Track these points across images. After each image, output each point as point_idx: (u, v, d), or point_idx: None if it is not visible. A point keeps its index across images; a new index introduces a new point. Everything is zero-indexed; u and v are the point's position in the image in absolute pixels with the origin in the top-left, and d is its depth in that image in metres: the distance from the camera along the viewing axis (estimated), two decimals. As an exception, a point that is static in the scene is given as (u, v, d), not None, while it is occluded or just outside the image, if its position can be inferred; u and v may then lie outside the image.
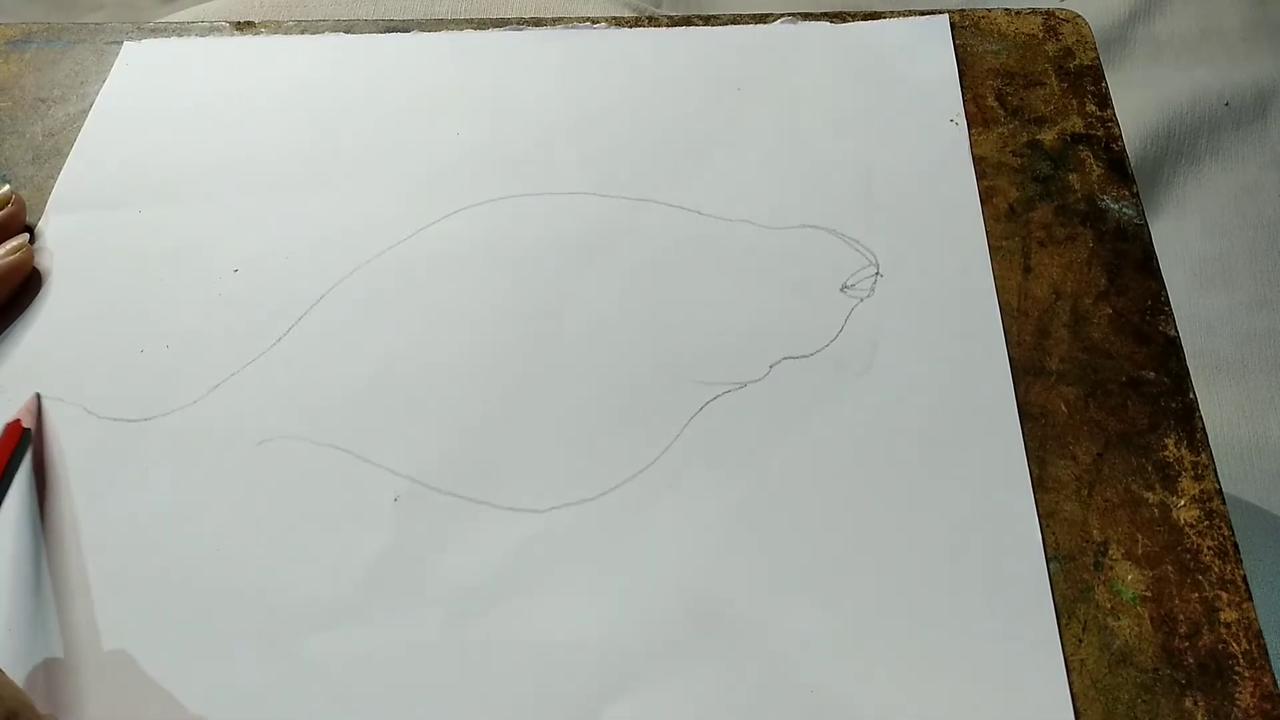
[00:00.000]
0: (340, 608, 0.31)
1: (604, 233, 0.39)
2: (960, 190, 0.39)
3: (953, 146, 0.40)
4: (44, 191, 0.42)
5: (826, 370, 0.35)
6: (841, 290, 0.36)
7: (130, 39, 0.46)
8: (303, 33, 0.46)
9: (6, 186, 0.41)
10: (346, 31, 0.46)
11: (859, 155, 0.40)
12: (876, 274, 0.37)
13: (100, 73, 0.45)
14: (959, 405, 0.34)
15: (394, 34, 0.45)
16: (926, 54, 0.43)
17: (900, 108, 0.41)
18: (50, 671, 0.30)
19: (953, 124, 0.41)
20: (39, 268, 0.39)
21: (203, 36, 0.46)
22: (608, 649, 0.30)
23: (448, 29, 0.45)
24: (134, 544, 0.33)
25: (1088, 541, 0.31)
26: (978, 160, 0.40)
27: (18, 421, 0.34)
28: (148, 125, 0.43)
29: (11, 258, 0.38)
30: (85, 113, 0.44)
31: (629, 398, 0.35)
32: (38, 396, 0.35)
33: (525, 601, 0.31)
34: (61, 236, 0.40)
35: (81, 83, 0.45)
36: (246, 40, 0.46)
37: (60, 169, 0.42)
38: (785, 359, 0.35)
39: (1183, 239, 0.77)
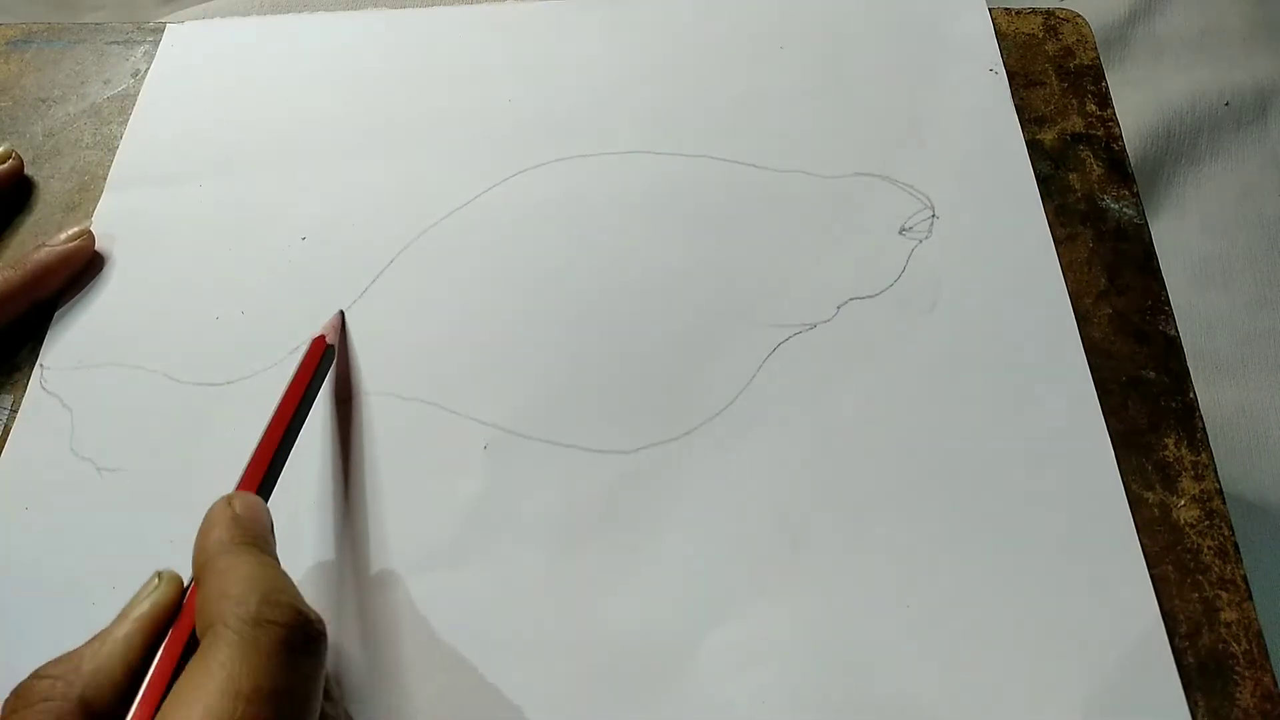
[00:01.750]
0: (441, 550, 0.33)
1: (662, 188, 0.40)
2: (1005, 134, 0.40)
3: (994, 93, 0.41)
4: (44, 191, 0.42)
5: (892, 308, 0.36)
6: (900, 233, 0.38)
7: (133, 38, 0.46)
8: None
9: (5, 144, 0.42)
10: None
11: (905, 105, 0.41)
12: (933, 216, 0.38)
13: (100, 72, 0.45)
14: (1024, 336, 0.35)
15: (440, 8, 0.46)
16: (960, 7, 0.44)
17: (940, 59, 0.42)
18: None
19: (992, 73, 0.42)
20: (100, 250, 0.40)
21: (244, 16, 0.46)
22: (705, 577, 0.32)
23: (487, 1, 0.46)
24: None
25: (1088, 541, 0.31)
26: (978, 160, 0.40)
27: (321, 337, 0.35)
28: (200, 102, 0.44)
29: (73, 244, 0.39)
30: (85, 113, 0.44)
31: (703, 342, 0.36)
32: (341, 314, 0.37)
33: (620, 537, 0.32)
34: (123, 212, 0.41)
35: (82, 83, 0.45)
36: (290, 18, 0.46)
37: (60, 169, 0.42)
38: (852, 300, 0.36)
39: (1183, 239, 0.77)
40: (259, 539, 0.26)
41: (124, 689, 0.24)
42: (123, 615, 0.25)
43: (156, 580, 0.26)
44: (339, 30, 0.46)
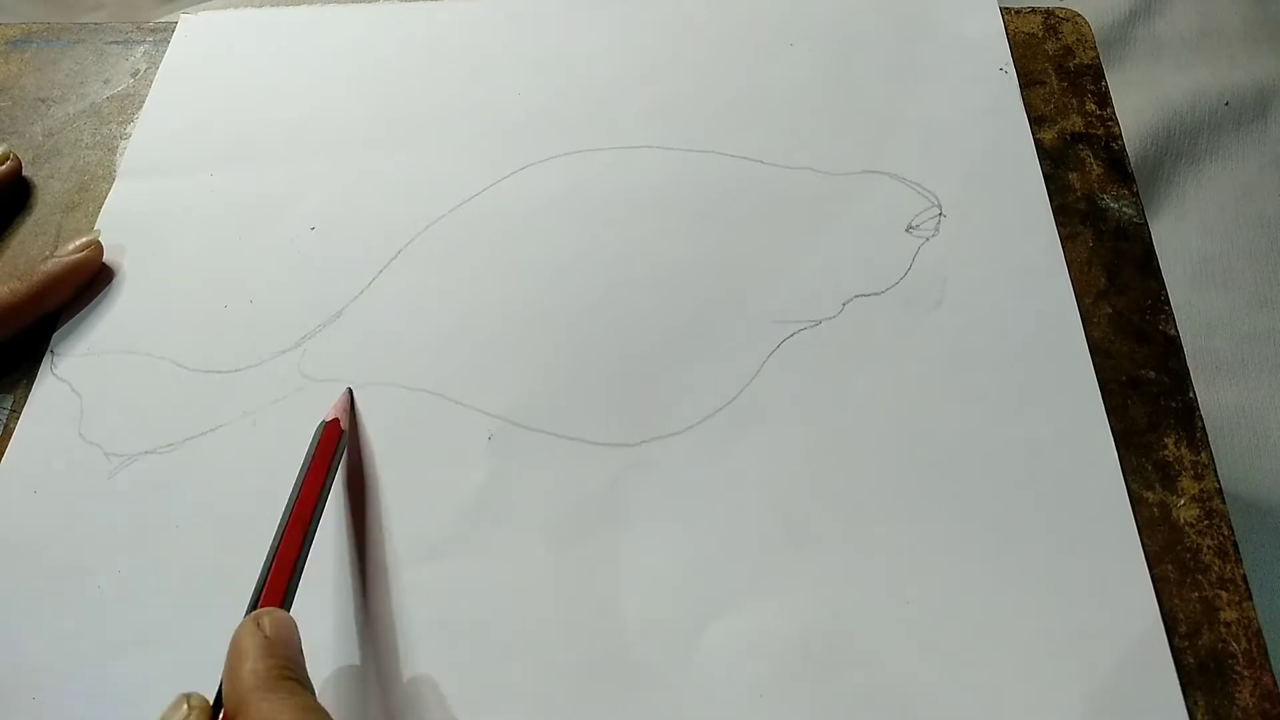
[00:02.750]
0: (444, 540, 0.33)
1: (671, 184, 0.40)
2: (1014, 133, 0.40)
3: (1003, 93, 0.41)
4: (43, 192, 0.42)
5: (898, 306, 0.36)
6: (907, 230, 0.38)
7: (133, 38, 0.46)
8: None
9: (4, 144, 0.42)
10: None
11: (914, 103, 0.41)
12: (940, 214, 0.38)
13: (100, 72, 0.45)
14: (1028, 335, 0.35)
15: (451, 0, 0.46)
16: (972, 7, 0.44)
17: (950, 58, 0.43)
18: None
19: (1002, 72, 0.42)
20: (108, 262, 0.40)
21: (255, 8, 0.47)
22: (705, 571, 0.32)
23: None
24: (237, 486, 0.34)
25: (1088, 541, 0.31)
26: (978, 159, 0.40)
27: (335, 421, 0.33)
28: (211, 93, 0.44)
29: (81, 255, 0.39)
30: (85, 112, 0.44)
31: (707, 337, 0.36)
32: (349, 392, 0.36)
33: (623, 529, 0.32)
34: (134, 202, 0.41)
35: (81, 82, 0.45)
36: (302, 10, 0.47)
37: (60, 169, 0.42)
38: (857, 297, 0.36)
39: (1182, 238, 0.77)
40: (293, 667, 0.25)
41: None
42: None
43: (185, 709, 0.25)
44: (351, 22, 0.46)
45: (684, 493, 0.33)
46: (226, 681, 0.25)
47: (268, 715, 0.24)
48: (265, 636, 0.25)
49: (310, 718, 0.24)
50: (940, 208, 0.38)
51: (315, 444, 0.32)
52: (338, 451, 0.33)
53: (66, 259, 0.38)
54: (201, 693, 0.26)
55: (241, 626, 0.26)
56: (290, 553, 0.29)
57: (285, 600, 0.28)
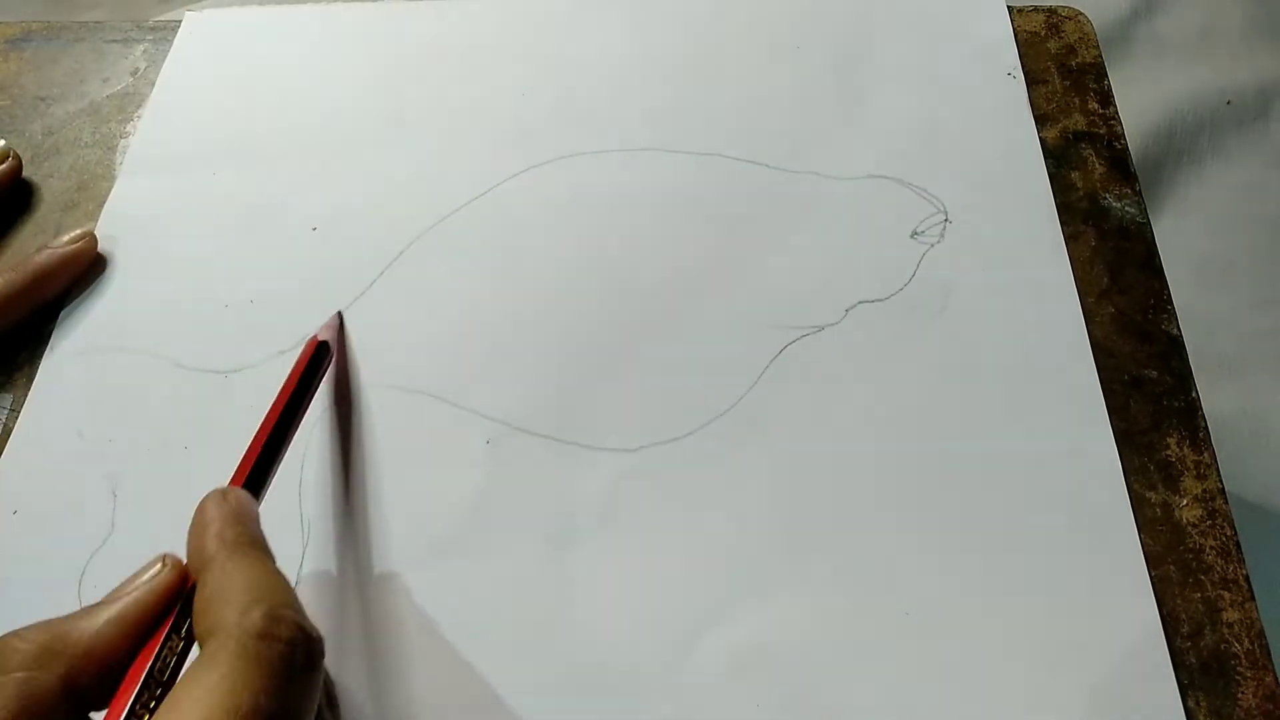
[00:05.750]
0: (441, 544, 0.33)
1: (674, 186, 0.40)
2: (1021, 139, 0.40)
3: (1011, 98, 0.41)
4: (43, 191, 0.42)
5: (901, 313, 0.36)
6: (912, 236, 0.37)
7: (132, 36, 0.46)
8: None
9: (3, 142, 0.42)
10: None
11: (921, 108, 0.41)
12: (945, 220, 0.38)
13: (100, 71, 0.45)
14: (1032, 343, 0.35)
15: (455, 0, 0.46)
16: (980, 10, 0.44)
17: (958, 62, 0.42)
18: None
19: (1010, 77, 0.41)
20: (102, 251, 0.40)
21: (262, 5, 0.47)
22: (703, 578, 0.31)
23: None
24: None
25: (1090, 541, 0.31)
26: (979, 158, 0.40)
27: (314, 337, 0.35)
28: (215, 91, 0.44)
29: (75, 246, 0.39)
30: (84, 111, 0.44)
31: (709, 342, 0.36)
32: (339, 315, 0.37)
33: (620, 536, 0.32)
34: (137, 199, 0.41)
35: (81, 81, 0.45)
36: (306, 8, 0.46)
37: (59, 168, 0.42)
38: (860, 303, 0.36)
39: (1185, 237, 0.77)
40: (257, 538, 0.26)
41: (112, 675, 0.23)
42: (117, 593, 0.25)
43: (160, 565, 0.25)
44: (355, 21, 0.46)
45: (683, 500, 0.33)
46: (191, 546, 0.25)
47: (230, 571, 0.24)
48: (230, 507, 0.26)
49: (274, 580, 0.24)
50: (946, 214, 0.38)
51: (298, 357, 0.33)
52: (314, 365, 0.33)
53: (61, 250, 0.38)
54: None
55: (207, 497, 0.26)
56: (258, 445, 0.29)
57: (250, 488, 0.28)
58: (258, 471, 0.29)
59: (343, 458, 0.34)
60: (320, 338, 0.35)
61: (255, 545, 0.25)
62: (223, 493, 0.27)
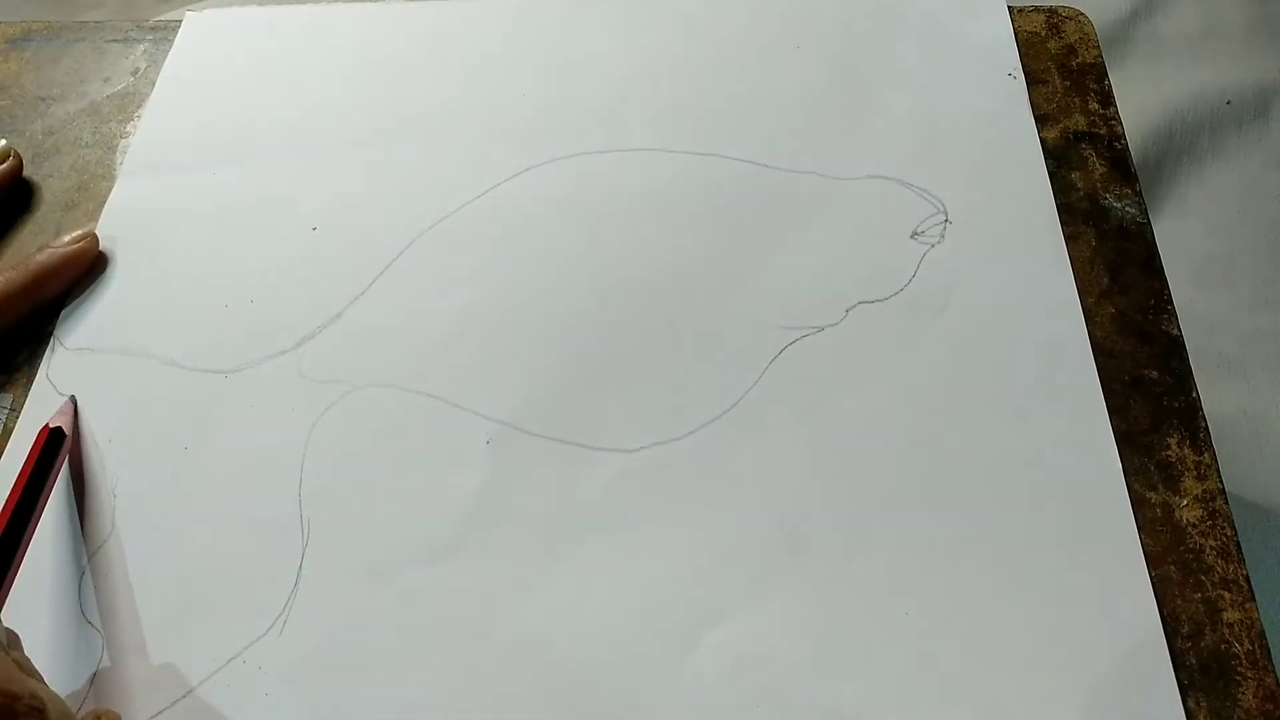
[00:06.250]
0: (441, 543, 0.33)
1: (673, 187, 0.40)
2: (1022, 139, 0.40)
3: (1011, 99, 0.41)
4: (43, 190, 0.42)
5: (902, 313, 0.36)
6: (912, 237, 0.37)
7: (132, 36, 0.46)
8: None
9: (3, 142, 0.42)
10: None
11: (921, 108, 0.41)
12: (945, 220, 0.38)
13: (100, 71, 0.45)
14: (1033, 344, 0.35)
15: (456, 0, 0.46)
16: (981, 10, 0.44)
17: (958, 63, 0.42)
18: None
19: (1010, 77, 0.41)
20: (104, 250, 0.40)
21: (262, 5, 0.47)
22: (703, 579, 0.31)
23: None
24: (234, 486, 0.34)
25: (1090, 541, 0.31)
26: (980, 158, 0.40)
27: (45, 425, 0.34)
28: (215, 91, 0.44)
29: (76, 246, 0.39)
30: (85, 111, 0.44)
31: (709, 342, 0.36)
32: (73, 399, 0.36)
33: (620, 536, 0.32)
34: (137, 199, 0.41)
35: (81, 81, 0.45)
36: (306, 9, 0.46)
37: (60, 168, 0.42)
38: (861, 303, 0.36)
39: (1185, 238, 0.77)
40: None
41: None
42: None
43: None
44: (355, 21, 0.46)
45: (683, 500, 0.33)
46: None
47: None
48: None
49: None
50: (946, 214, 0.38)
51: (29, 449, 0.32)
52: (57, 458, 0.32)
53: (62, 250, 0.38)
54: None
55: None
56: None
57: None
58: None
59: (343, 458, 0.34)
60: (52, 424, 0.33)
61: None
62: None
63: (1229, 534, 0.31)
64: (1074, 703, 0.29)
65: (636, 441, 0.34)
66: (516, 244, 0.39)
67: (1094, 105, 0.41)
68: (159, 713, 0.30)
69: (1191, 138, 0.81)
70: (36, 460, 0.32)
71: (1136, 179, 0.39)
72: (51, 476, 0.32)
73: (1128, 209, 0.38)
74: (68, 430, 0.34)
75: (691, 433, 0.34)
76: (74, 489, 0.34)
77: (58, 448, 0.33)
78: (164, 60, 0.45)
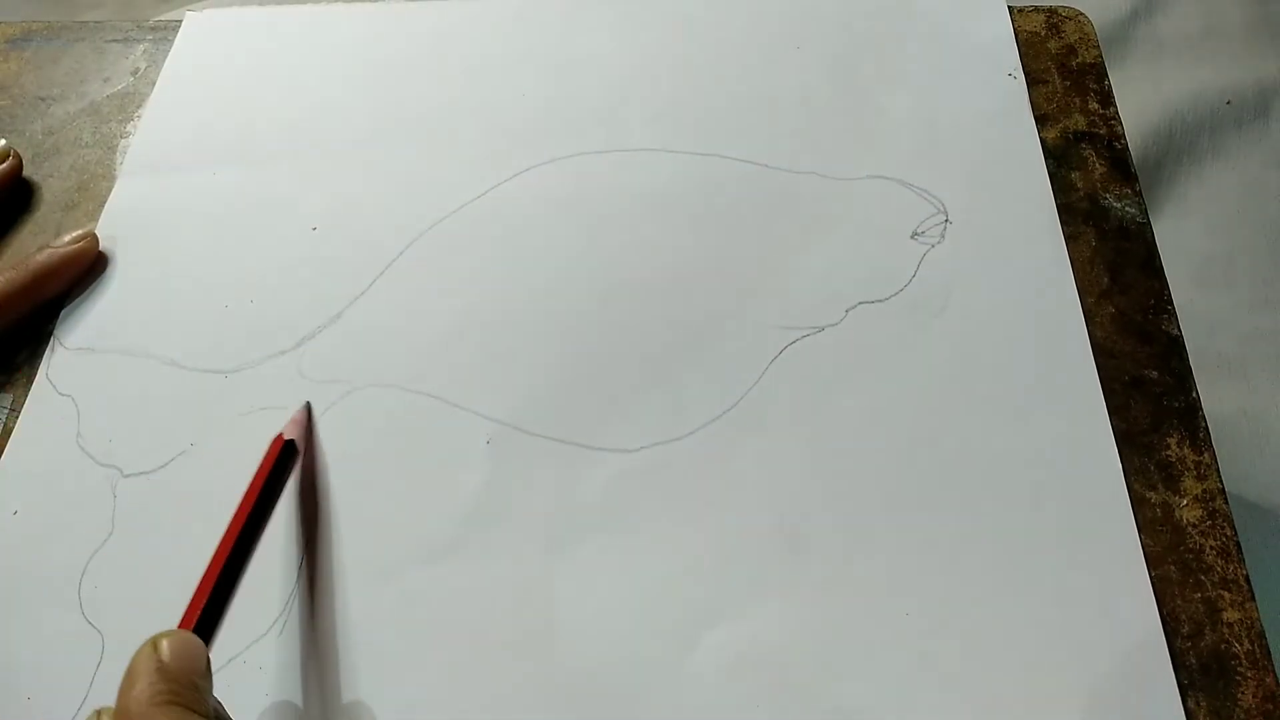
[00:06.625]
0: (441, 543, 0.32)
1: (673, 186, 0.40)
2: (1022, 140, 0.40)
3: (1012, 99, 0.41)
4: (43, 191, 0.42)
5: (902, 313, 0.36)
6: (912, 237, 0.37)
7: (132, 36, 0.46)
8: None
9: (3, 142, 0.42)
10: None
11: (921, 108, 0.41)
12: (946, 221, 0.38)
13: (100, 71, 0.45)
14: (1033, 343, 0.35)
15: (455, 0, 0.46)
16: (981, 10, 0.44)
17: (959, 63, 0.42)
18: None
19: (1010, 78, 0.41)
20: (104, 250, 0.40)
21: (262, 5, 0.47)
22: (703, 579, 0.31)
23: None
24: (235, 486, 0.33)
25: (1090, 541, 0.31)
26: (980, 158, 0.40)
27: (280, 435, 0.33)
28: (215, 91, 0.44)
29: (76, 246, 0.39)
30: (85, 111, 0.44)
31: (710, 343, 0.36)
32: (308, 406, 0.35)
33: (620, 536, 0.32)
34: (137, 199, 0.41)
35: (81, 81, 0.45)
36: (306, 8, 0.47)
37: (60, 168, 0.42)
38: (861, 304, 0.36)
39: (1184, 238, 0.77)
40: (186, 690, 0.24)
41: None
42: None
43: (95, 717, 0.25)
44: (355, 21, 0.46)
45: (683, 500, 0.33)
46: (118, 703, 0.24)
47: None
48: (160, 660, 0.25)
49: None
50: (946, 214, 0.38)
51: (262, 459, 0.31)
52: (287, 470, 0.32)
53: (62, 250, 0.38)
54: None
55: (140, 648, 0.25)
56: (214, 575, 0.28)
57: (205, 621, 0.27)
58: (209, 605, 0.27)
59: (343, 458, 0.34)
60: (286, 436, 0.33)
61: (177, 701, 0.24)
62: (154, 643, 0.25)
63: (1229, 534, 0.31)
64: (1074, 703, 0.29)
65: (636, 441, 0.34)
66: (516, 244, 0.39)
67: (1094, 105, 0.41)
68: None
69: (1191, 138, 0.81)
70: (269, 473, 0.31)
71: (1136, 179, 0.39)
72: (277, 494, 0.31)
73: (1128, 209, 0.38)
74: (300, 443, 0.33)
75: (691, 433, 0.34)
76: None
77: (289, 461, 0.32)
78: (164, 60, 0.45)
